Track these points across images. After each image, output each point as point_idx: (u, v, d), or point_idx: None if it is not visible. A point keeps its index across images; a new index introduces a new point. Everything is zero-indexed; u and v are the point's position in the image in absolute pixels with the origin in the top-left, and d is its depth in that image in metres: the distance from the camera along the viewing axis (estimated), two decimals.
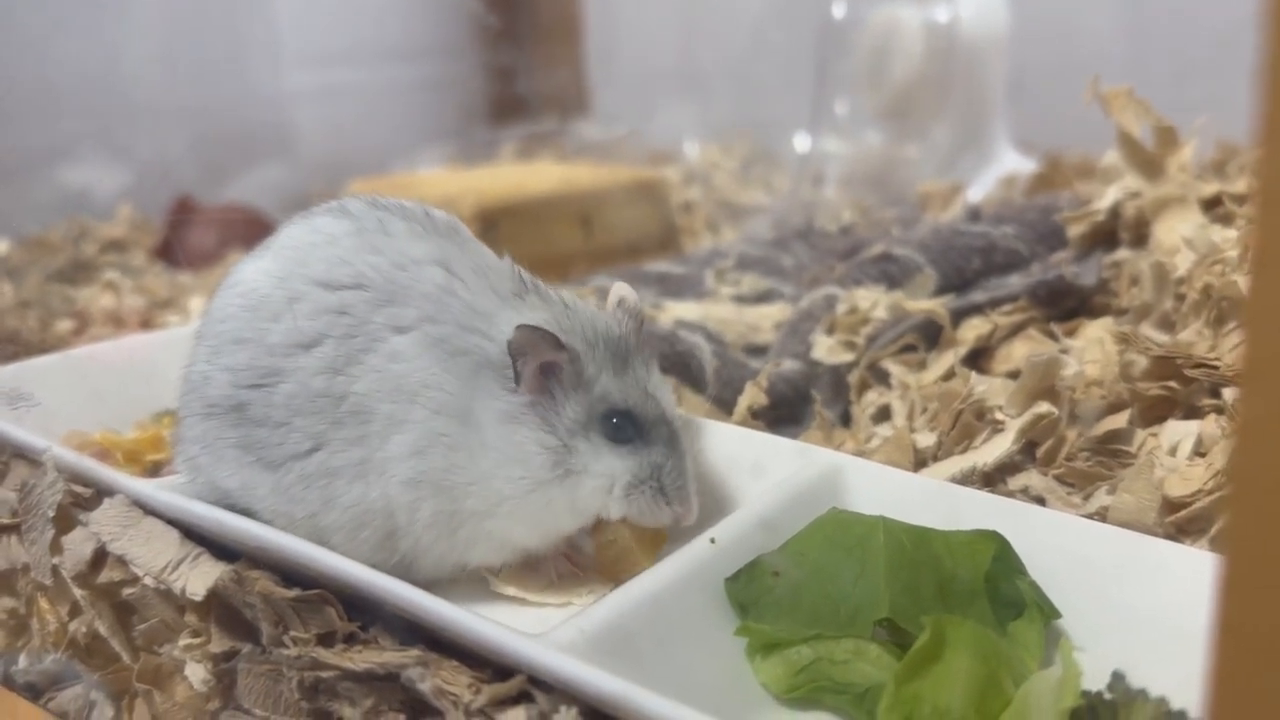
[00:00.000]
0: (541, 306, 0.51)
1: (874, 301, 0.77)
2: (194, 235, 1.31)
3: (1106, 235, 0.80)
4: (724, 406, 0.72)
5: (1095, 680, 0.39)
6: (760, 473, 0.56)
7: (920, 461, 0.61)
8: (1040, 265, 0.81)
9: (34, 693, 0.57)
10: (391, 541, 0.49)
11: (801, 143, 1.39)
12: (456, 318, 0.49)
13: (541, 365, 0.48)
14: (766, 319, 0.87)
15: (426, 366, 0.48)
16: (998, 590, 0.46)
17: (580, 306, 0.52)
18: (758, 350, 0.83)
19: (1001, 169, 1.25)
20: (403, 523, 0.49)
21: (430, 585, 0.45)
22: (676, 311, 0.89)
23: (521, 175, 1.35)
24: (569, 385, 0.49)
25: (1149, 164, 0.78)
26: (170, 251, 1.30)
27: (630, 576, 0.47)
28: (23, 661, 0.57)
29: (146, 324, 1.01)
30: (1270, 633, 0.24)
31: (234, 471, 0.51)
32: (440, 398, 0.48)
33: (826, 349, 0.75)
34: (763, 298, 0.95)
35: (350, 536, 0.49)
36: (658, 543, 0.52)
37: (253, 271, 0.53)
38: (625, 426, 0.50)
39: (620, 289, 0.54)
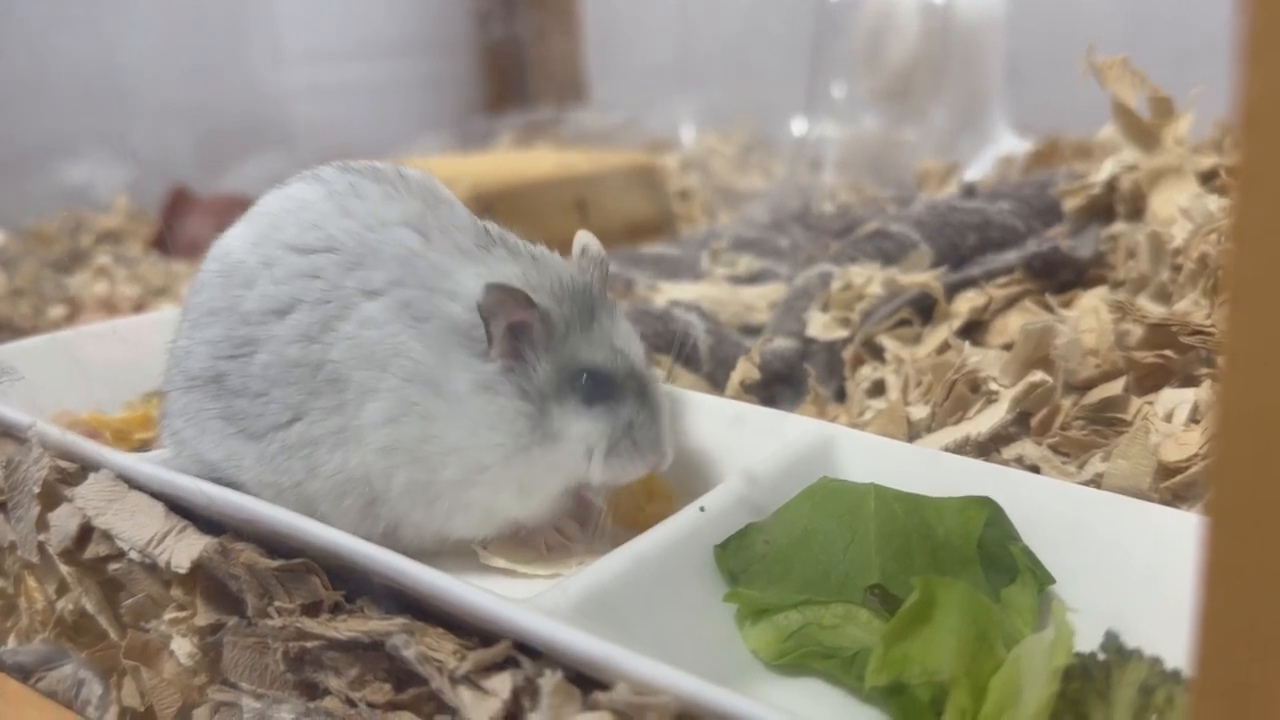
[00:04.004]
0: (509, 260, 0.50)
1: (869, 277, 0.77)
2: (189, 225, 1.31)
3: (1103, 208, 0.79)
4: (718, 384, 0.71)
5: (1089, 645, 0.39)
6: (750, 443, 0.55)
7: (914, 434, 0.61)
8: (1036, 240, 0.81)
9: (23, 673, 0.56)
10: (374, 509, 0.49)
11: (798, 127, 1.38)
12: (422, 279, 0.49)
13: (510, 325, 0.47)
14: (762, 299, 0.87)
15: (396, 333, 0.48)
16: (990, 556, 0.46)
17: (548, 258, 0.51)
18: (753, 330, 0.82)
19: (999, 151, 1.24)
20: (380, 490, 0.48)
21: (417, 557, 0.44)
22: (672, 292, 0.88)
23: (517, 161, 1.34)
24: (540, 345, 0.48)
25: (1145, 134, 0.77)
26: (165, 241, 1.30)
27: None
28: (11, 641, 0.57)
29: (139, 311, 1.01)
30: (1257, 575, 0.24)
31: (218, 443, 0.50)
32: (410, 365, 0.47)
33: (821, 325, 0.74)
34: (758, 278, 0.94)
35: (335, 505, 0.49)
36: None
37: (228, 240, 0.53)
38: (597, 386, 0.49)
39: (584, 237, 0.53)
